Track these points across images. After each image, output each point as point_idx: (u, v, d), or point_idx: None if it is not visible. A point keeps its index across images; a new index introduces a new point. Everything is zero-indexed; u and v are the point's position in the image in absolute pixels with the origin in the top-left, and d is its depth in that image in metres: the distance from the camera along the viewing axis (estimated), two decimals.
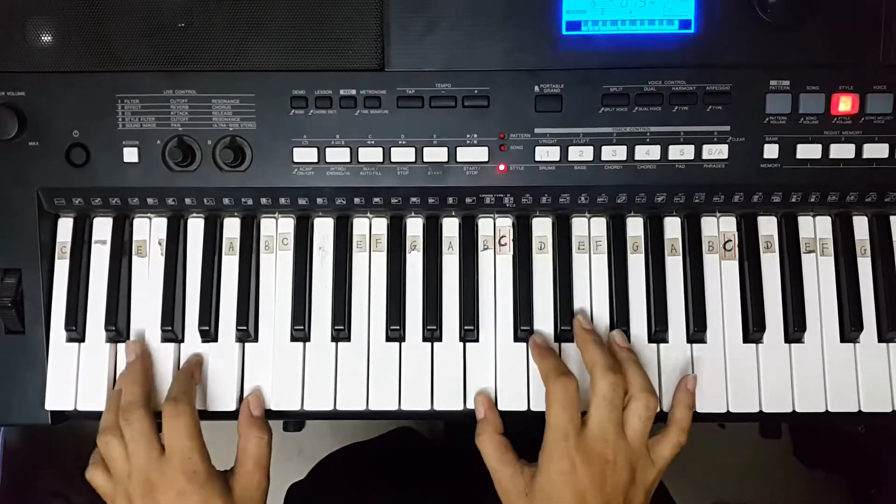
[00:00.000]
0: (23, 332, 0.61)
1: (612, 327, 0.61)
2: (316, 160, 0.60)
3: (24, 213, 0.61)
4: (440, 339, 0.61)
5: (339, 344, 0.61)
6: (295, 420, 0.66)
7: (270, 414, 0.61)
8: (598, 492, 0.53)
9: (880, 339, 0.61)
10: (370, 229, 0.63)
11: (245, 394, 0.61)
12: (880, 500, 1.01)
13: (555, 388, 0.55)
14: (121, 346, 0.62)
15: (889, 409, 0.60)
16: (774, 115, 0.59)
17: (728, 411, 0.60)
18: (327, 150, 0.60)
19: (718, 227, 0.62)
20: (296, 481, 0.81)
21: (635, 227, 0.62)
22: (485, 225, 0.63)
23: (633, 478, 0.54)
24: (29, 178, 0.61)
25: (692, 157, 0.59)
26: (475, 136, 0.60)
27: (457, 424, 0.99)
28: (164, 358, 0.61)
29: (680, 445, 0.57)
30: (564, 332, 0.60)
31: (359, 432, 0.96)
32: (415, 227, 0.63)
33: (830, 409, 0.60)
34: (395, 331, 0.61)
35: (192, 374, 0.60)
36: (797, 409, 0.60)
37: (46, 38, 0.60)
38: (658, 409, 0.56)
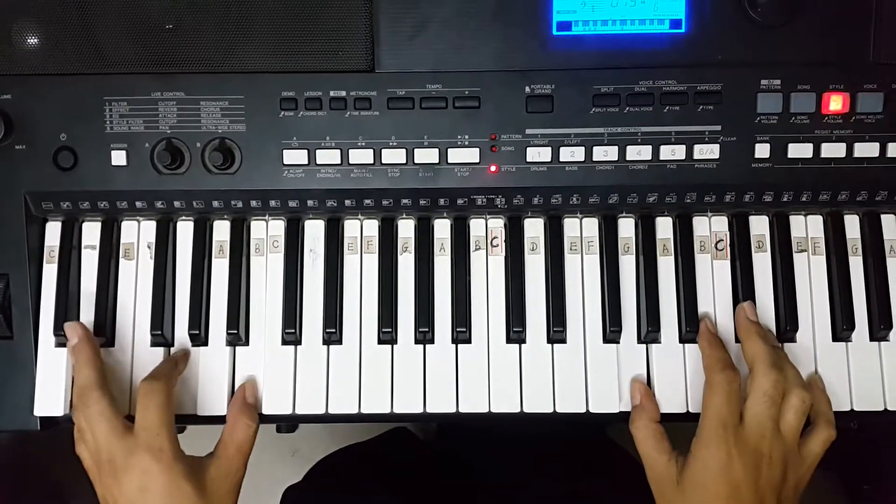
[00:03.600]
0: (11, 338, 0.61)
1: (604, 328, 0.61)
2: (306, 162, 0.59)
3: (12, 217, 0.60)
4: (432, 342, 0.61)
5: (331, 347, 0.61)
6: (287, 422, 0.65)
7: (262, 418, 0.61)
8: (752, 486, 0.53)
9: (872, 338, 0.61)
10: (361, 231, 0.63)
11: None
12: (873, 496, 1.01)
13: (720, 379, 0.55)
14: (109, 351, 0.61)
15: (881, 408, 0.60)
16: (765, 115, 0.59)
17: None
18: (317, 151, 0.59)
19: (710, 227, 0.62)
20: (291, 484, 0.81)
21: (627, 227, 0.62)
22: (476, 226, 0.62)
23: (785, 475, 0.54)
24: (16, 181, 0.60)
25: (683, 157, 0.59)
26: (466, 137, 0.59)
27: (450, 427, 0.99)
28: (153, 362, 0.60)
29: (830, 439, 0.56)
30: (556, 333, 0.60)
31: (354, 433, 0.96)
32: (406, 228, 0.62)
33: None
34: (387, 333, 0.61)
35: (177, 362, 0.60)
36: None
37: (33, 41, 0.60)
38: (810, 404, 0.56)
